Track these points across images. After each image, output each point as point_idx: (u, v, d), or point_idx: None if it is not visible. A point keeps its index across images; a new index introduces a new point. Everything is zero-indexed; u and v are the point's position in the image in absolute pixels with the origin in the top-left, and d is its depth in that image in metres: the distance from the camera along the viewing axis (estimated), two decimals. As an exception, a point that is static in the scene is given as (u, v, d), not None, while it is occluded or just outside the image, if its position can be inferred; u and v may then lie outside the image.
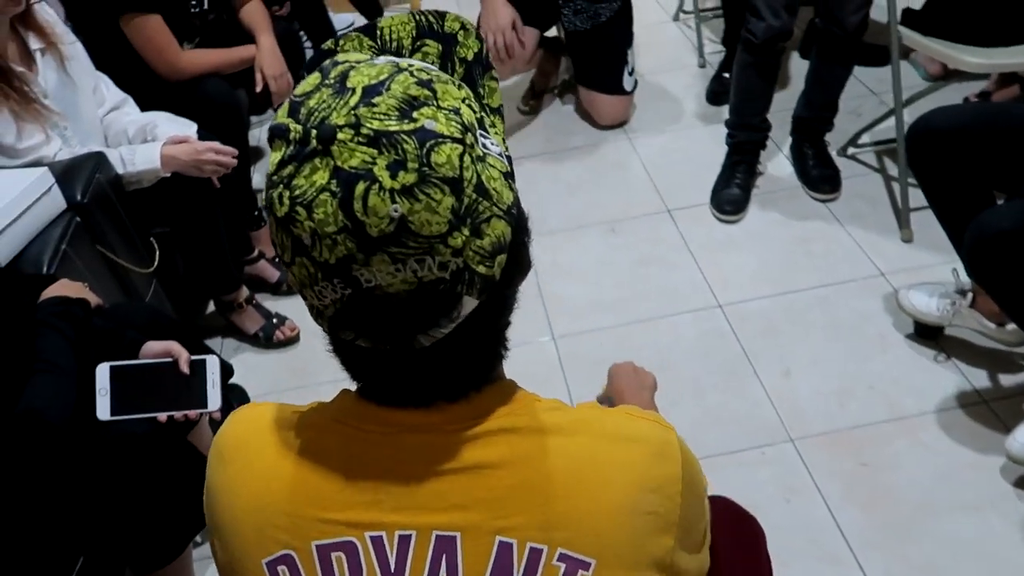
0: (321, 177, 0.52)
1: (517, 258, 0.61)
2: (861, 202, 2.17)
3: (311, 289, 0.57)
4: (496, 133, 0.61)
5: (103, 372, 1.19)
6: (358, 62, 0.57)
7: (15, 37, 1.63)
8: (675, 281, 2.02)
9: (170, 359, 1.26)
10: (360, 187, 0.51)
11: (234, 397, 1.81)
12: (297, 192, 0.53)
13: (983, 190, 1.55)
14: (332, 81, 0.55)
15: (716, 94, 2.65)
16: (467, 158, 0.55)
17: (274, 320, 2.00)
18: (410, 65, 0.57)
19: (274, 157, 0.55)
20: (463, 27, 0.65)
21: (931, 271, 1.89)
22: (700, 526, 0.68)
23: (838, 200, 2.19)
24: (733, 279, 2.00)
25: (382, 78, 0.55)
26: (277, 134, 0.55)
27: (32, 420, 1.10)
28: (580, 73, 2.63)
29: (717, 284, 1.99)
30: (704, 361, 1.80)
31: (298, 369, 1.92)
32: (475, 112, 0.58)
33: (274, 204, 0.54)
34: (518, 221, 0.60)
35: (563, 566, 0.59)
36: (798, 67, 2.70)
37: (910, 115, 1.73)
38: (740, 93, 2.17)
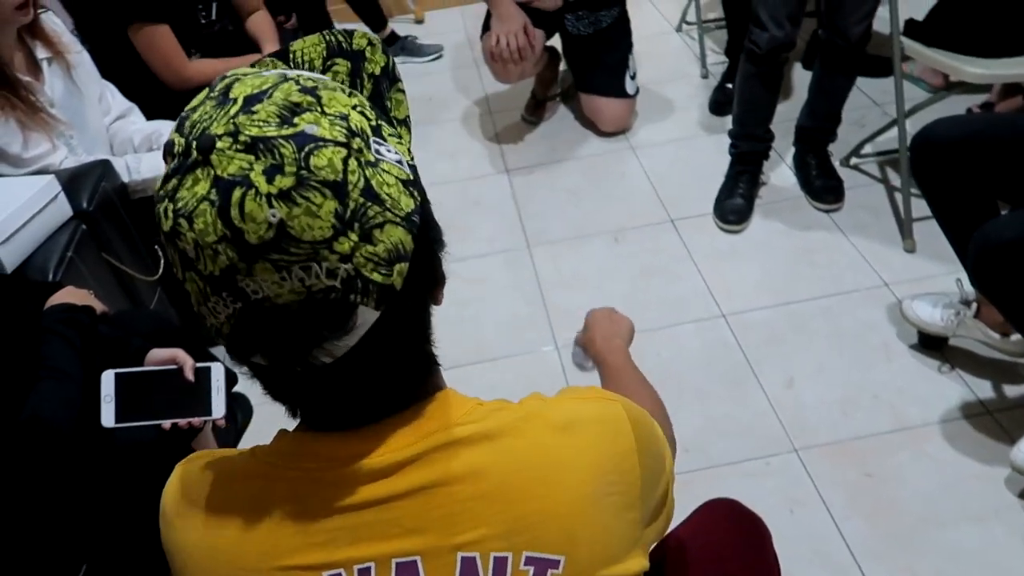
0: (202, 188, 0.51)
1: (425, 269, 0.59)
2: (864, 212, 2.17)
3: (205, 306, 0.55)
4: (399, 143, 0.60)
5: (108, 379, 1.19)
6: (245, 75, 0.57)
7: (22, 47, 1.64)
8: (678, 291, 2.02)
9: (175, 366, 1.26)
10: (237, 193, 0.50)
11: (238, 406, 1.81)
12: (180, 204, 0.52)
13: (987, 200, 1.55)
14: (216, 94, 0.55)
15: (719, 104, 2.65)
16: (352, 162, 0.53)
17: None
18: (298, 75, 0.57)
19: (162, 174, 0.55)
20: (370, 43, 0.66)
21: (935, 281, 1.89)
22: (660, 486, 0.69)
23: (841, 210, 2.19)
24: (736, 289, 2.00)
25: (265, 87, 0.54)
26: (166, 150, 0.55)
27: (37, 426, 1.10)
28: (582, 80, 2.64)
29: (720, 294, 1.99)
30: (708, 371, 1.80)
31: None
32: (369, 120, 0.57)
33: (160, 219, 0.54)
34: (423, 230, 0.58)
35: (531, 568, 0.58)
36: (801, 78, 2.71)
37: (913, 126, 1.73)
38: (743, 103, 2.17)
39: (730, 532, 0.90)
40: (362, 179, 0.53)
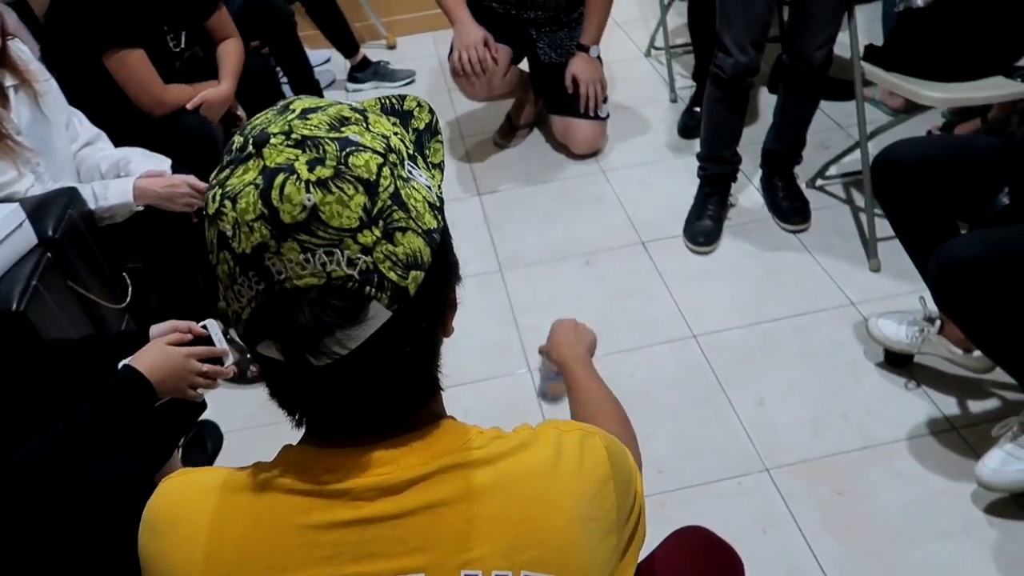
0: (251, 175, 0.57)
1: (439, 288, 0.64)
2: (831, 233, 2.21)
3: (231, 290, 0.59)
4: (432, 179, 0.66)
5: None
6: (306, 97, 0.64)
7: (-12, 74, 1.63)
8: (651, 313, 2.04)
9: (190, 335, 1.31)
10: (279, 178, 0.56)
11: (208, 434, 1.79)
12: (228, 188, 0.58)
13: (946, 220, 1.59)
14: (279, 107, 0.63)
15: (688, 128, 2.70)
16: (386, 170, 0.59)
17: (248, 355, 1.99)
18: (351, 103, 0.64)
19: (218, 167, 0.61)
20: (419, 104, 0.72)
21: (900, 300, 1.92)
22: (633, 513, 0.73)
23: (808, 231, 2.23)
24: (707, 310, 2.02)
25: (321, 104, 0.62)
26: (226, 149, 0.62)
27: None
28: (555, 103, 2.66)
29: (691, 315, 2.01)
30: (680, 391, 1.81)
31: (272, 404, 1.90)
32: (407, 147, 0.64)
33: (208, 203, 0.59)
34: (442, 252, 0.63)
35: None
36: (767, 101, 2.76)
37: (875, 148, 1.77)
38: (710, 127, 2.21)
39: (702, 565, 0.90)
40: (393, 185, 0.59)
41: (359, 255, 0.57)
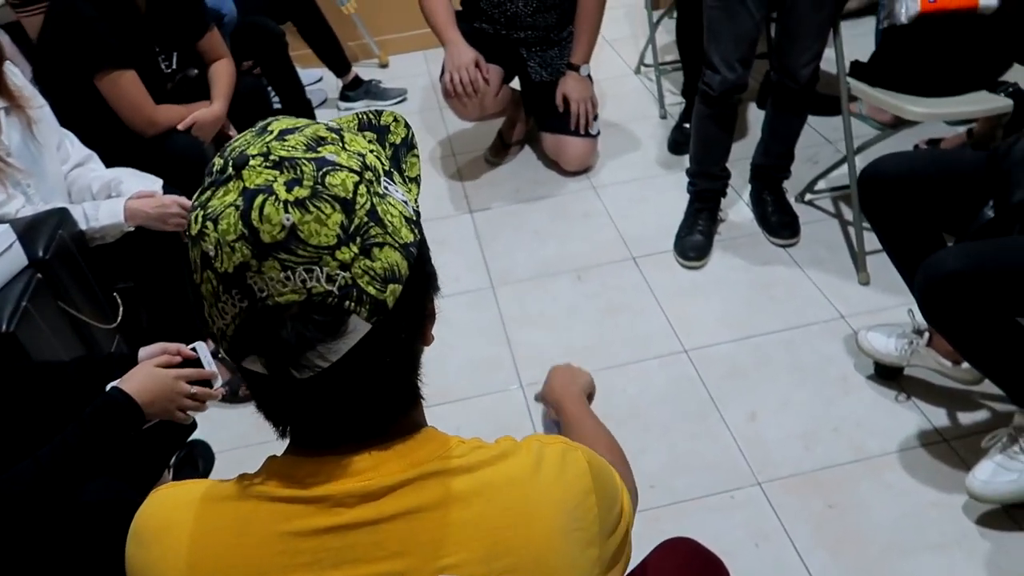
0: (231, 196, 0.59)
1: (417, 300, 0.65)
2: (820, 246, 2.23)
3: (215, 308, 0.61)
4: (408, 192, 0.68)
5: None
6: (284, 118, 0.66)
7: (-21, 96, 1.63)
8: (642, 328, 2.04)
9: (179, 357, 1.31)
10: (259, 199, 0.58)
11: (199, 453, 1.78)
12: (209, 209, 0.60)
13: (932, 233, 1.61)
14: (257, 128, 0.64)
15: (677, 143, 2.72)
16: (363, 188, 0.61)
17: (239, 374, 1.98)
18: (327, 122, 0.65)
19: (199, 189, 0.62)
20: (395, 119, 0.74)
21: (889, 313, 1.94)
22: (619, 531, 0.73)
23: (798, 245, 2.24)
24: (698, 324, 2.03)
25: (299, 125, 0.64)
26: (207, 171, 0.63)
27: None
28: (546, 121, 2.68)
29: (683, 329, 2.02)
30: (672, 406, 1.82)
31: (264, 424, 1.88)
32: (383, 164, 0.65)
33: (191, 225, 0.61)
34: (419, 264, 0.64)
35: None
36: (756, 116, 2.79)
37: (863, 162, 1.79)
38: (700, 143, 2.23)
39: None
40: (369, 203, 0.61)
41: (338, 271, 0.58)
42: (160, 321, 1.90)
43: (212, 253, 0.59)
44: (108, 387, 1.22)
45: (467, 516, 0.62)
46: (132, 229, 1.75)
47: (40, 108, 1.75)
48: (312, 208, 0.58)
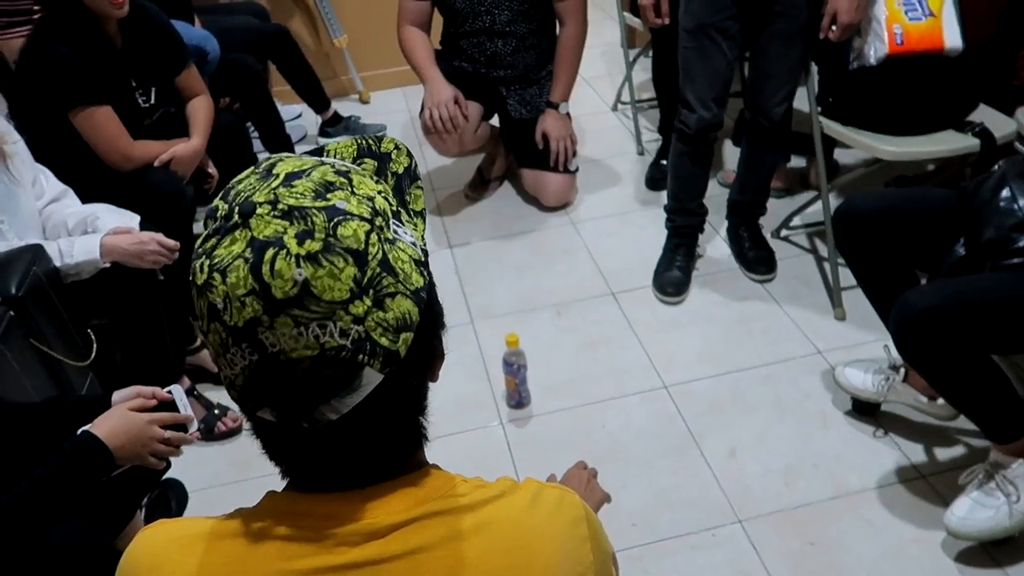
0: (239, 247, 0.57)
1: (427, 342, 0.64)
2: (797, 282, 2.25)
3: (224, 357, 0.59)
4: (415, 229, 0.67)
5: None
6: (288, 157, 0.64)
7: (-47, 132, 1.62)
8: (621, 363, 2.05)
9: (154, 400, 1.29)
10: (269, 252, 0.56)
11: (172, 493, 1.74)
12: (216, 260, 0.58)
13: (906, 270, 1.63)
14: (261, 170, 0.62)
15: (655, 180, 2.75)
16: (374, 236, 0.59)
17: (215, 411, 1.95)
18: (334, 162, 0.64)
19: (202, 234, 0.60)
20: (396, 147, 0.73)
21: (866, 348, 1.95)
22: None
23: (775, 280, 2.26)
24: (677, 360, 2.04)
25: (305, 167, 0.61)
26: (208, 214, 0.61)
27: None
28: (525, 157, 2.70)
29: (662, 365, 2.02)
30: (653, 442, 1.81)
31: (240, 462, 1.86)
32: (391, 205, 0.64)
33: (195, 274, 0.59)
34: (429, 307, 0.63)
35: None
36: (732, 152, 2.83)
37: (837, 199, 1.82)
38: (677, 180, 2.26)
39: None
40: (381, 252, 0.59)
41: (351, 325, 0.57)
42: (134, 359, 1.87)
43: (220, 306, 0.57)
44: (79, 431, 1.20)
45: (470, 557, 0.62)
46: (108, 265, 1.73)
47: (14, 144, 1.73)
48: (325, 262, 0.56)
